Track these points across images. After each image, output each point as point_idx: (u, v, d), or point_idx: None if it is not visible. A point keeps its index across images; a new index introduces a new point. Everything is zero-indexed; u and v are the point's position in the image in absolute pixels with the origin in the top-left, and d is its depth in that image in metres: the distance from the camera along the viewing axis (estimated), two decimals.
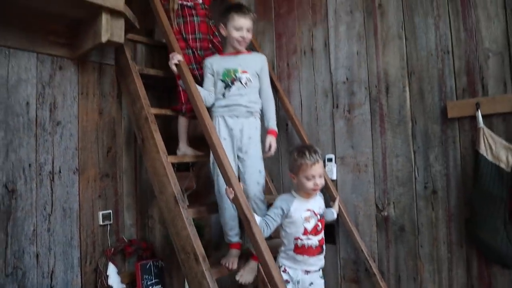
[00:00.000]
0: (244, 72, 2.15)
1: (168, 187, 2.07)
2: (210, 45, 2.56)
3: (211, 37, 2.58)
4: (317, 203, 1.97)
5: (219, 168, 1.87)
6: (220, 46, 2.59)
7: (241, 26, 2.13)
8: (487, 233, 1.81)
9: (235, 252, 2.16)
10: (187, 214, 1.99)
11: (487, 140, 1.82)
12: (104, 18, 2.11)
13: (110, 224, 2.54)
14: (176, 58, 2.11)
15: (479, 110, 1.85)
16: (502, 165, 1.78)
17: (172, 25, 2.43)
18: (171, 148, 2.49)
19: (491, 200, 1.79)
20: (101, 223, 2.49)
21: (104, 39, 2.10)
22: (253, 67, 2.19)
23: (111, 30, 2.14)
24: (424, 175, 2.07)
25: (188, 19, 2.52)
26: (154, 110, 2.30)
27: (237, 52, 2.21)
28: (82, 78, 2.48)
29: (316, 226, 1.91)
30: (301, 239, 1.88)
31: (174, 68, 2.13)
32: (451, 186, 1.99)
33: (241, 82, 2.14)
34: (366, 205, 2.27)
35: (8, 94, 2.15)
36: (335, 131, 2.41)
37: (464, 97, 1.95)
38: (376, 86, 2.25)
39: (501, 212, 1.78)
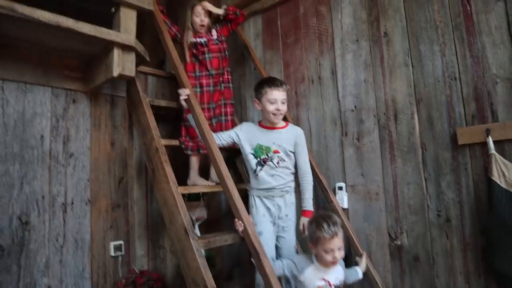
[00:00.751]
0: (276, 152, 2.13)
1: (178, 218, 2.08)
2: (221, 79, 2.62)
3: (223, 70, 2.65)
4: (335, 273, 1.85)
5: (228, 201, 1.87)
6: (230, 78, 2.67)
7: (275, 99, 2.12)
8: (504, 263, 1.76)
9: None
10: (197, 246, 1.97)
11: (500, 167, 1.79)
12: (116, 53, 2.18)
13: (121, 255, 2.54)
14: (185, 92, 2.15)
15: (489, 136, 1.84)
16: None
17: (187, 60, 2.59)
18: (182, 178, 2.51)
19: (507, 229, 1.74)
20: (112, 254, 2.49)
21: (115, 73, 2.16)
22: (286, 145, 2.16)
23: (122, 64, 2.20)
24: (436, 203, 2.03)
25: (200, 57, 2.61)
26: (164, 141, 2.33)
27: (273, 127, 2.20)
28: (95, 111, 2.54)
29: None
30: None
31: (184, 103, 2.18)
32: (465, 214, 1.95)
33: (272, 162, 2.13)
34: (379, 234, 2.23)
35: (23, 128, 2.22)
36: (345, 159, 2.40)
37: (474, 123, 1.94)
38: (384, 114, 2.25)
39: None
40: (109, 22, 2.29)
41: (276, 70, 2.82)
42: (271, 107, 2.12)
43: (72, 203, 2.37)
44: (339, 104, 2.46)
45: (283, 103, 2.15)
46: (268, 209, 2.13)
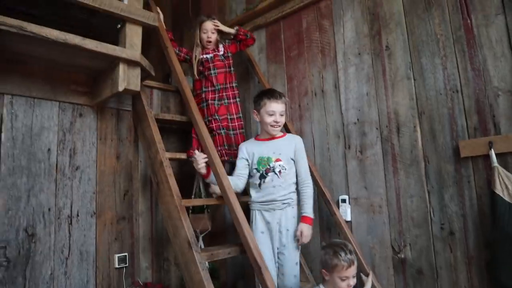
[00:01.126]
0: (277, 160, 2.16)
1: (181, 231, 2.09)
2: (225, 94, 2.65)
3: (227, 85, 2.68)
4: None
5: (230, 214, 1.88)
6: (236, 93, 2.70)
7: (273, 111, 2.15)
8: (510, 277, 1.74)
9: None
10: (200, 259, 1.98)
11: (503, 180, 1.78)
12: (121, 68, 2.22)
13: (125, 267, 2.55)
14: (202, 159, 2.16)
15: (492, 149, 1.83)
16: None
17: (195, 77, 2.66)
18: (187, 191, 2.53)
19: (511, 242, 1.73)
20: (117, 266, 2.50)
21: (121, 88, 2.20)
22: (286, 153, 2.18)
23: (128, 79, 2.24)
24: (440, 215, 2.02)
25: (206, 73, 2.66)
26: (168, 155, 2.36)
27: (271, 137, 2.23)
28: (101, 124, 2.58)
29: None
30: None
31: (203, 171, 2.19)
32: (468, 227, 1.93)
33: (275, 172, 2.14)
34: (382, 247, 2.22)
35: (31, 141, 2.26)
36: (348, 171, 2.40)
37: (476, 136, 1.93)
38: (387, 126, 2.26)
39: None
40: (116, 36, 2.35)
41: (280, 84, 2.85)
42: (269, 119, 2.15)
43: (78, 215, 2.39)
44: (342, 117, 2.47)
45: (281, 115, 2.17)
46: (267, 223, 2.13)
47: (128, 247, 2.61)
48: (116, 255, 2.51)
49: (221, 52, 2.73)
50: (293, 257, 2.13)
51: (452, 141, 2.01)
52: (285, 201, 2.14)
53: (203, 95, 2.63)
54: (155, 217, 2.81)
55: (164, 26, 2.64)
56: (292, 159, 2.20)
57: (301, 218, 2.14)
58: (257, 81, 2.98)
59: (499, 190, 1.78)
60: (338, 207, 2.37)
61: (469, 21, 2.00)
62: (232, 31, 2.77)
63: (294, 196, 2.19)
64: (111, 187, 2.58)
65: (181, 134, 3.06)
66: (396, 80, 2.25)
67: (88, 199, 2.45)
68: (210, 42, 2.73)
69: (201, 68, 2.68)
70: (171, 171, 2.28)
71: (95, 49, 2.09)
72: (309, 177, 2.22)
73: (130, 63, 2.26)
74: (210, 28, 2.72)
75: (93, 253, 2.43)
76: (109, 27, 2.42)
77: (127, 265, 2.56)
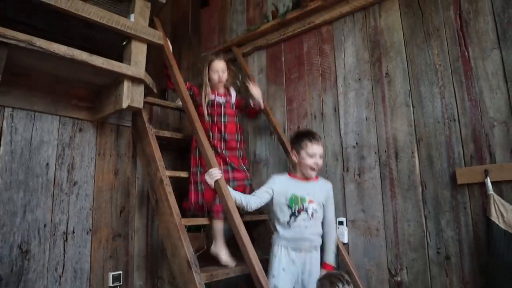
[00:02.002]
0: (311, 202, 2.15)
1: (181, 250, 2.08)
2: (237, 146, 2.59)
3: (239, 137, 2.62)
4: None
5: (235, 235, 1.88)
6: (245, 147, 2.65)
7: (314, 152, 2.15)
8: None
9: None
10: (199, 279, 1.98)
11: (498, 207, 1.85)
12: (126, 85, 2.23)
13: (119, 285, 2.51)
14: (216, 175, 2.11)
15: (488, 177, 1.90)
16: None
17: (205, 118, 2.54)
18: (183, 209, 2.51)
19: (507, 269, 1.78)
20: (110, 284, 2.46)
21: (125, 105, 2.21)
22: (320, 198, 2.20)
23: (131, 96, 2.25)
24: (436, 240, 2.07)
25: (215, 118, 2.56)
26: (169, 173, 2.35)
27: (306, 179, 2.23)
28: (100, 140, 2.57)
29: None
30: None
31: (214, 186, 2.15)
32: (464, 252, 1.98)
33: (307, 213, 2.13)
34: (379, 270, 2.25)
35: (30, 155, 2.23)
36: (346, 194, 2.44)
37: (472, 163, 2.00)
38: (385, 151, 2.31)
39: None
40: (112, 48, 2.35)
41: (279, 105, 2.90)
42: (310, 161, 2.16)
43: (74, 232, 2.36)
44: (341, 140, 2.52)
45: (320, 157, 2.18)
46: (292, 262, 2.10)
47: (123, 265, 2.57)
48: (111, 273, 2.48)
49: (233, 100, 2.67)
50: None
51: (449, 168, 2.08)
52: (312, 244, 2.14)
53: (212, 142, 2.50)
54: (151, 235, 2.78)
55: (170, 46, 2.65)
56: (323, 204, 2.21)
57: (324, 265, 2.15)
58: None
59: (494, 217, 1.85)
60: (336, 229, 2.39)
61: (466, 53, 2.09)
62: (260, 102, 2.67)
63: (321, 240, 2.19)
64: (108, 204, 2.55)
65: (178, 152, 3.06)
66: (395, 107, 2.31)
67: (84, 215, 2.42)
68: (221, 82, 2.63)
69: (209, 109, 2.57)
70: (171, 189, 2.27)
71: (101, 65, 2.10)
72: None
73: (134, 80, 2.27)
74: (221, 68, 2.61)
75: (87, 271, 2.39)
76: (107, 41, 2.42)
77: (121, 283, 2.52)
